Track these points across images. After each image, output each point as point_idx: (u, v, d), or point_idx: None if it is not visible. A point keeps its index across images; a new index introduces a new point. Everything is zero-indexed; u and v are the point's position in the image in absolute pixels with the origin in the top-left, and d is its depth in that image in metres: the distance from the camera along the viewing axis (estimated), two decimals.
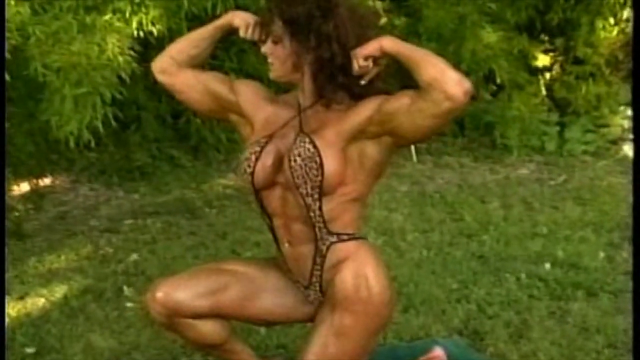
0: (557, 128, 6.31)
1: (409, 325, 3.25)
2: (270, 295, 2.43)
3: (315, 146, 2.21)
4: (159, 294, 2.34)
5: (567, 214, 4.69)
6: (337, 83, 2.24)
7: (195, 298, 2.35)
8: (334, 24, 2.20)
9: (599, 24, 6.37)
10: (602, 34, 6.42)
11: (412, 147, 6.07)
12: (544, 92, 6.51)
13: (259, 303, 2.42)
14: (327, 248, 2.31)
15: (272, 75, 2.31)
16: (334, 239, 2.31)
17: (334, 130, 2.23)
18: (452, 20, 6.04)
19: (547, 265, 3.86)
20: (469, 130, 6.57)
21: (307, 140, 2.22)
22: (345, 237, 2.31)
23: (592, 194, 5.13)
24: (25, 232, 4.69)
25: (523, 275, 3.74)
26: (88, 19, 3.83)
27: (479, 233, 4.39)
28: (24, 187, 5.11)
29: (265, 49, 2.29)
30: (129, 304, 3.58)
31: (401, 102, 2.17)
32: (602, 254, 3.99)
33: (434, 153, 6.18)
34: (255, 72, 5.74)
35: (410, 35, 6.37)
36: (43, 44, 3.70)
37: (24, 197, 5.09)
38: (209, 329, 2.40)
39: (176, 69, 2.47)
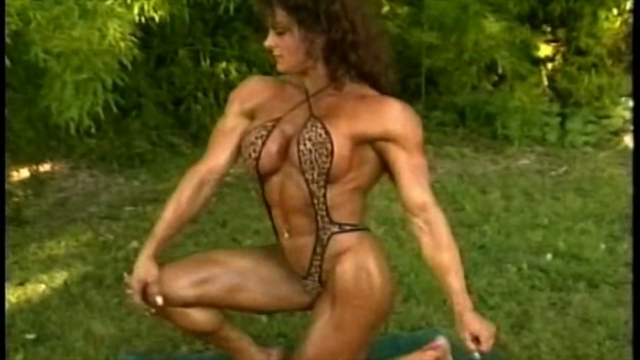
0: (559, 119, 6.28)
1: (410, 315, 3.25)
2: (259, 286, 2.42)
3: (327, 132, 2.18)
4: (150, 283, 2.36)
5: (568, 205, 4.68)
6: (349, 62, 2.21)
7: (183, 288, 2.38)
8: (341, 3, 2.17)
9: (602, 14, 6.36)
10: (605, 24, 6.41)
11: None
12: (545, 82, 6.50)
13: (247, 294, 2.42)
14: (329, 238, 2.29)
15: (282, 67, 2.25)
16: (336, 228, 2.28)
17: (346, 120, 2.20)
18: (454, 10, 6.02)
19: (549, 256, 3.86)
20: (470, 120, 6.55)
21: (318, 125, 2.20)
22: (347, 227, 2.29)
23: (593, 185, 5.11)
24: (25, 218, 4.67)
25: (524, 266, 3.74)
26: (89, 4, 3.80)
27: (480, 223, 4.38)
28: (24, 173, 5.12)
29: (270, 42, 2.23)
30: (129, 291, 3.54)
31: (400, 165, 2.23)
32: (603, 246, 3.99)
33: (434, 143, 6.14)
34: (257, 60, 5.76)
35: (412, 24, 6.37)
36: (44, 29, 3.66)
37: (24, 183, 5.09)
38: (199, 317, 2.42)
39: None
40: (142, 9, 3.96)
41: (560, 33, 6.57)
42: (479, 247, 4.01)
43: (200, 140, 5.76)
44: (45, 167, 5.45)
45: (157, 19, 4.06)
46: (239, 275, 2.42)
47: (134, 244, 4.16)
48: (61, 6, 3.74)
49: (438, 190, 5.00)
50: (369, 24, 2.23)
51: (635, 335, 2.42)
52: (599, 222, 4.36)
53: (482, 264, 3.78)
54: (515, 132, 6.20)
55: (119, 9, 3.86)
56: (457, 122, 6.55)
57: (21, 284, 3.74)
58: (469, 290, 3.42)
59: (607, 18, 6.39)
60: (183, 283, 2.37)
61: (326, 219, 2.27)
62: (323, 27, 2.17)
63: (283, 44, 2.21)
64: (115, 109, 3.97)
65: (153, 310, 2.39)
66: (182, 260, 2.53)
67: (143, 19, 4.00)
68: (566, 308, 3.33)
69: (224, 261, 2.45)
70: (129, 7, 3.93)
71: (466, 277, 3.54)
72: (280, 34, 2.21)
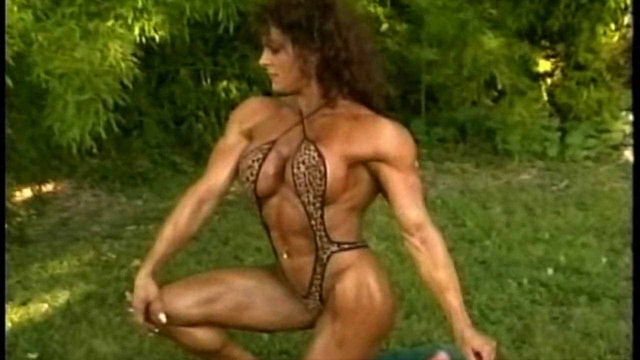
0: (559, 133, 6.31)
1: (411, 330, 3.25)
2: (265, 305, 2.43)
3: (320, 154, 2.20)
4: (155, 303, 2.37)
5: (569, 220, 4.69)
6: (342, 80, 2.22)
7: (188, 307, 2.38)
8: (334, 21, 2.19)
9: (600, 29, 6.37)
10: (603, 39, 6.42)
11: None
12: (545, 97, 6.50)
13: (251, 313, 2.42)
14: (328, 257, 2.30)
15: (277, 87, 2.27)
16: (335, 247, 2.29)
17: (339, 142, 2.22)
18: (453, 27, 6.04)
19: (550, 271, 3.86)
20: (471, 135, 6.56)
21: (312, 147, 2.21)
22: (346, 246, 2.30)
23: (594, 199, 5.12)
24: (28, 238, 4.69)
25: (525, 281, 3.74)
26: (90, 25, 3.82)
27: (481, 238, 4.39)
28: (27, 193, 5.12)
29: (265, 60, 2.24)
30: (131, 310, 3.55)
31: (395, 185, 2.25)
32: (604, 259, 3.99)
33: (435, 159, 6.17)
34: (258, 78, 5.78)
35: (411, 41, 6.39)
36: (46, 50, 3.69)
37: (27, 202, 5.10)
38: (202, 335, 2.42)
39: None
40: (142, 29, 3.96)
41: (559, 48, 6.58)
42: (481, 262, 4.01)
43: (202, 158, 5.78)
44: (48, 187, 5.45)
45: (157, 39, 4.06)
46: (244, 294, 2.42)
47: (136, 262, 4.15)
48: (63, 27, 3.77)
49: (439, 206, 5.03)
50: (363, 42, 2.24)
51: (636, 349, 2.42)
52: (600, 236, 4.37)
53: (484, 279, 3.78)
54: (515, 147, 6.22)
55: (119, 30, 3.88)
56: (458, 138, 6.56)
57: (24, 303, 3.75)
58: (469, 305, 3.45)
59: (605, 33, 6.40)
60: (188, 302, 2.37)
61: (325, 239, 2.28)
62: (317, 45, 2.18)
63: (277, 62, 2.23)
64: (116, 129, 3.97)
65: (156, 330, 2.40)
66: (186, 280, 2.53)
67: (144, 39, 4.00)
68: (567, 322, 3.33)
69: (228, 280, 2.46)
70: (130, 28, 3.93)
71: (467, 292, 3.58)
72: (275, 52, 2.22)
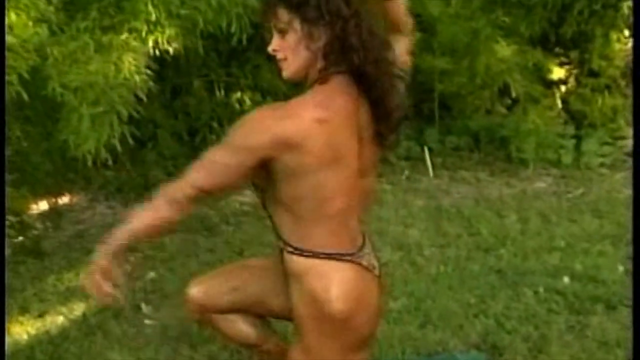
0: (574, 141, 6.28)
1: (427, 340, 3.26)
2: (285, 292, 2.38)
3: None
4: (189, 293, 2.48)
5: (585, 227, 4.67)
6: (349, 61, 2.16)
7: (218, 295, 2.46)
8: (344, 1, 2.15)
9: (614, 36, 6.36)
10: (617, 46, 6.40)
11: (429, 162, 6.09)
12: (559, 105, 6.49)
13: (279, 299, 2.40)
14: (283, 255, 2.27)
15: (286, 73, 2.22)
16: (289, 248, 2.24)
17: None
18: (465, 35, 6.04)
19: (566, 279, 3.85)
20: (485, 144, 6.54)
21: None
22: (297, 251, 2.23)
23: (610, 206, 5.10)
24: (44, 250, 4.73)
25: (541, 289, 3.73)
26: (105, 39, 3.84)
27: (496, 247, 4.38)
28: (43, 205, 5.19)
29: (274, 45, 2.21)
30: (147, 321, 3.63)
31: None
32: (620, 267, 3.98)
33: (450, 167, 6.16)
34: (271, 88, 5.80)
35: (424, 50, 6.40)
36: (60, 64, 3.72)
37: (43, 215, 5.16)
38: (244, 327, 2.50)
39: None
40: (156, 42, 3.99)
41: (573, 55, 6.56)
42: (496, 271, 4.01)
43: None
44: (63, 200, 5.52)
45: (171, 51, 4.09)
46: (271, 278, 2.42)
47: (152, 274, 4.23)
48: (77, 41, 3.80)
49: (454, 215, 5.03)
50: (372, 27, 2.20)
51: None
52: (616, 243, 4.35)
53: (499, 287, 3.78)
54: (530, 155, 6.19)
55: (133, 43, 3.90)
56: (472, 146, 6.54)
57: (40, 315, 3.79)
58: (485, 315, 3.45)
59: (618, 40, 6.39)
60: (218, 289, 2.46)
61: (280, 237, 2.26)
62: (325, 21, 2.14)
63: (286, 45, 2.19)
64: (131, 141, 4.00)
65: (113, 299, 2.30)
66: (218, 269, 2.65)
67: (157, 52, 4.03)
68: (584, 331, 3.32)
69: (256, 266, 2.54)
70: (144, 41, 3.95)
71: (483, 301, 3.58)
72: (282, 33, 2.19)
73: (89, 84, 3.73)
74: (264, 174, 2.18)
